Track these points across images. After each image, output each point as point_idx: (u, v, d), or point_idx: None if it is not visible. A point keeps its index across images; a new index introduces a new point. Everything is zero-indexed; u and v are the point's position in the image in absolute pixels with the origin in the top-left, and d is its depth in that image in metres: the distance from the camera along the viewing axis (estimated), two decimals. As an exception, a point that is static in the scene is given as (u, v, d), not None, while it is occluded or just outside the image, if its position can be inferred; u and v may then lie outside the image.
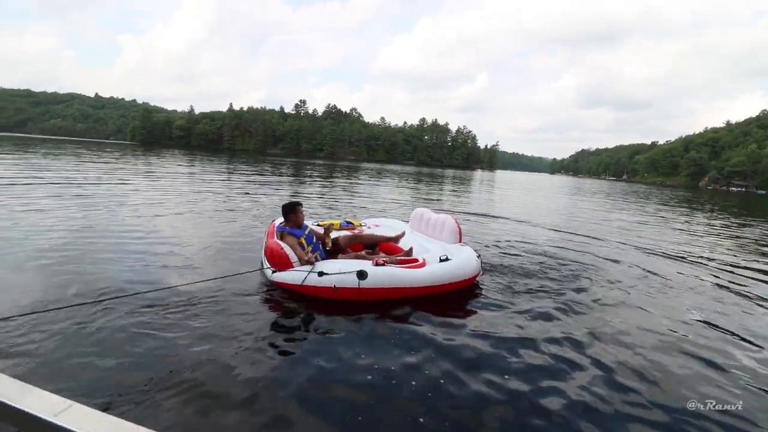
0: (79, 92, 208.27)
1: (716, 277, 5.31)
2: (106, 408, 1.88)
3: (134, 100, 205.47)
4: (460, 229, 4.30)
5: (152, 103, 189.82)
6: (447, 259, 3.65)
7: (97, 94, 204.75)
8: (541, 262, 5.20)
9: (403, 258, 3.90)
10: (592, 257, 5.83)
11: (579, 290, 4.11)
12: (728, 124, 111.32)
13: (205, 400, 2.00)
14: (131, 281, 3.45)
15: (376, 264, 3.36)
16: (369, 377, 2.30)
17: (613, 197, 23.69)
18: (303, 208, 3.83)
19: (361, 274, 3.17)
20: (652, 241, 7.90)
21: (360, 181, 20.13)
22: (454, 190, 19.91)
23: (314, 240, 3.77)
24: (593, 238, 7.74)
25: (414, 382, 2.27)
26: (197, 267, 3.98)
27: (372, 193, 14.29)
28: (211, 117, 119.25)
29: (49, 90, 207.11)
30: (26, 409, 0.44)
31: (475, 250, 4.09)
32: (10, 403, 0.44)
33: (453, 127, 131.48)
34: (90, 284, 3.33)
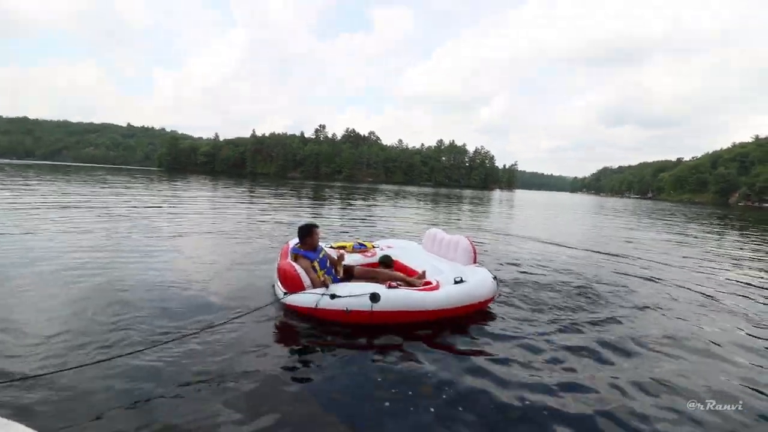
0: (112, 122, 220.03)
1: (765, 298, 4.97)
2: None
3: (163, 129, 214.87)
4: (474, 250, 4.17)
5: (180, 131, 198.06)
6: (462, 281, 3.52)
7: (129, 123, 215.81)
8: (564, 282, 5.02)
9: (416, 280, 3.80)
10: (620, 277, 5.60)
11: (609, 315, 3.90)
12: (757, 138, 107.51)
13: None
14: (148, 302, 3.49)
15: (389, 287, 3.29)
16: (382, 406, 2.20)
17: (638, 216, 22.92)
18: (319, 230, 3.75)
19: (374, 297, 3.08)
20: (686, 260, 7.53)
21: (377, 203, 20.19)
22: (472, 210, 19.68)
23: (327, 264, 3.69)
24: (619, 256, 7.46)
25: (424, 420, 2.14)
26: (215, 289, 3.98)
27: (390, 215, 14.27)
28: (235, 143, 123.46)
29: (85, 120, 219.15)
30: None
31: (491, 271, 3.95)
32: None
33: (471, 148, 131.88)
34: (111, 306, 3.37)
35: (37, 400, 2.07)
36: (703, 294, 4.95)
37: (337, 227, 9.46)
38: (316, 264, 3.54)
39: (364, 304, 3.08)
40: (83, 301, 3.42)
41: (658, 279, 5.65)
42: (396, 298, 3.17)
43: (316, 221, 10.23)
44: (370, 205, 17.99)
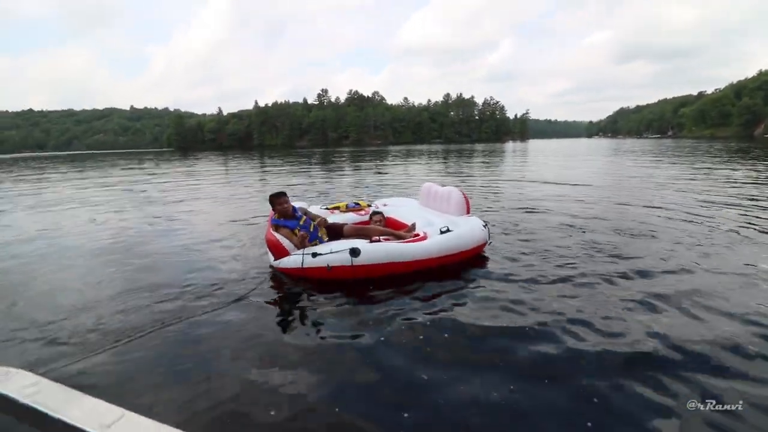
0: (114, 106, 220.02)
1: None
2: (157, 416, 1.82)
3: (166, 108, 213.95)
4: (467, 201, 4.18)
5: (183, 109, 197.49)
6: (447, 231, 3.57)
7: (132, 106, 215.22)
8: (569, 225, 5.04)
9: (406, 234, 3.83)
10: (633, 221, 5.28)
11: (608, 259, 3.76)
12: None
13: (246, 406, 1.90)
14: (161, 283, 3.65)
15: (372, 241, 3.34)
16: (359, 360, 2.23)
17: (654, 155, 22.22)
18: (286, 198, 3.70)
19: (354, 252, 3.15)
20: (704, 197, 7.24)
21: (384, 164, 20.07)
22: (485, 162, 19.39)
23: (311, 229, 3.71)
24: (635, 198, 7.30)
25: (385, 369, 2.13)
26: (230, 259, 4.12)
27: (398, 174, 14.25)
28: (239, 116, 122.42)
29: (88, 107, 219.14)
30: (71, 422, 0.39)
31: (484, 220, 3.97)
32: (52, 414, 0.39)
33: (479, 100, 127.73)
34: (138, 282, 3.60)
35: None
36: (722, 236, 4.90)
37: (346, 190, 9.55)
38: (297, 231, 3.58)
39: (344, 259, 3.15)
40: (113, 284, 3.64)
41: (675, 222, 5.57)
42: (377, 251, 3.22)
43: (325, 186, 10.19)
44: (379, 167, 17.93)
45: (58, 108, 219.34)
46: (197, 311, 2.80)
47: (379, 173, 14.44)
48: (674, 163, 14.91)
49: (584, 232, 4.66)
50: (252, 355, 2.29)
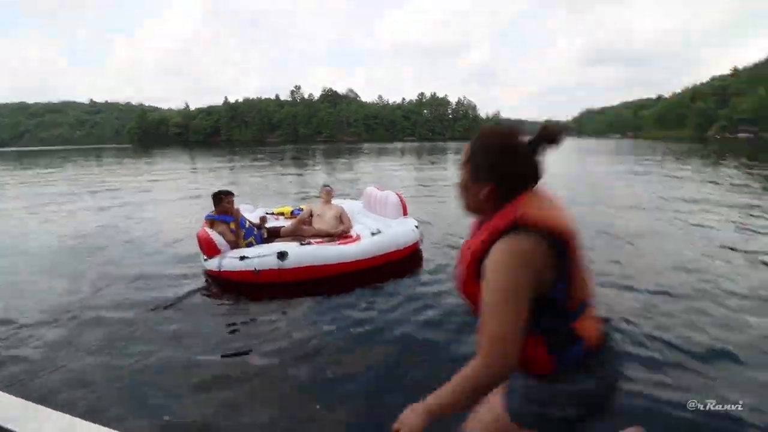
0: (73, 99, 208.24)
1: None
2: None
3: (129, 102, 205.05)
4: (403, 203, 4.27)
5: (147, 104, 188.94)
6: (378, 233, 3.67)
7: (91, 99, 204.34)
8: None
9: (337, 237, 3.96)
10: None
11: None
12: (735, 70, 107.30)
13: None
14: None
15: (303, 244, 3.34)
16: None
17: (610, 155, 23.03)
18: (232, 197, 3.65)
19: (281, 255, 3.11)
20: (650, 194, 7.54)
21: (355, 160, 19.75)
22: (455, 163, 19.36)
23: (247, 225, 3.69)
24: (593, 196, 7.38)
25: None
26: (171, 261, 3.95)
27: (369, 174, 14.01)
28: (207, 112, 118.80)
29: (43, 100, 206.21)
30: None
31: (417, 221, 4.12)
32: (13, 429, 0.41)
33: (453, 99, 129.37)
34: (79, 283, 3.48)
35: None
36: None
37: (312, 191, 9.21)
38: (232, 225, 3.52)
39: (272, 263, 3.11)
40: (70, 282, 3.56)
41: (613, 219, 5.61)
42: (306, 254, 3.21)
43: (296, 186, 9.76)
44: (348, 164, 17.61)
45: (11, 101, 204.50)
46: (125, 326, 2.68)
47: (354, 171, 14.13)
48: (630, 164, 15.39)
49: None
50: (178, 365, 2.22)
